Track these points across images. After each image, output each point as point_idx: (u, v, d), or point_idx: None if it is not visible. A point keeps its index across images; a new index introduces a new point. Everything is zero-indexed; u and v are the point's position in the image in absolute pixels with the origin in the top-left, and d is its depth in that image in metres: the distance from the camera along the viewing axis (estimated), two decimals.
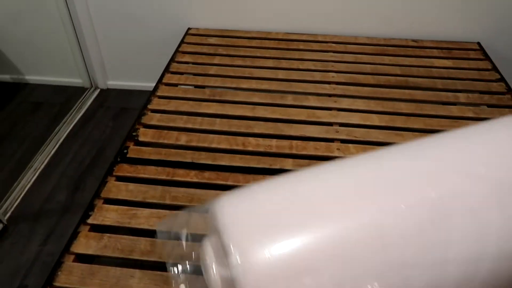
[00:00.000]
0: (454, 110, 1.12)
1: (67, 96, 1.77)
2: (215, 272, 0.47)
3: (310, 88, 1.20)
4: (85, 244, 0.75)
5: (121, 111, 1.70)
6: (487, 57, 1.38)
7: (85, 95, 1.78)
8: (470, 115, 1.10)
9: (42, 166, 1.43)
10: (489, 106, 1.16)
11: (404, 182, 0.47)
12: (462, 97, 1.18)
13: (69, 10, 1.59)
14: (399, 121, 1.07)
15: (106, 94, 1.81)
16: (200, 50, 1.40)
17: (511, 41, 1.49)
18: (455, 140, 0.53)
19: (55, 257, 0.74)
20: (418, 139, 0.54)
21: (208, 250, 0.48)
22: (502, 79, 1.25)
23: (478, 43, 1.46)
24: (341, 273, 0.42)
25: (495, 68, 1.31)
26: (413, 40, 1.46)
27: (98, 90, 1.82)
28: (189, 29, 1.53)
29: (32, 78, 1.84)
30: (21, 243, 1.19)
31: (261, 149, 0.97)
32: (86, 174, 1.41)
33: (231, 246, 0.42)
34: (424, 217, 0.45)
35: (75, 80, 1.82)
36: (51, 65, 1.80)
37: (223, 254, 0.43)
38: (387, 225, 0.45)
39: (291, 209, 0.46)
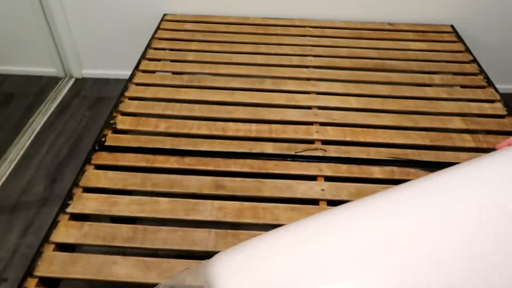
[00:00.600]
0: (429, 91, 1.14)
1: (41, 86, 1.72)
2: None
3: (289, 72, 1.21)
4: (65, 233, 0.75)
5: (98, 101, 1.67)
6: (460, 39, 1.40)
7: (60, 85, 1.73)
8: (445, 96, 1.13)
9: (18, 158, 1.40)
10: (463, 87, 1.19)
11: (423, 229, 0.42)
12: (436, 78, 1.20)
13: None
14: (376, 103, 1.09)
15: (82, 83, 1.77)
16: (177, 36, 1.38)
17: (482, 24, 1.53)
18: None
19: (34, 249, 0.72)
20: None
21: None
22: (474, 61, 1.28)
23: (452, 26, 1.48)
24: None
25: (467, 50, 1.34)
26: (389, 24, 1.48)
27: (73, 79, 1.78)
28: (165, 15, 1.51)
29: (3, 68, 1.77)
30: None
31: (241, 134, 0.98)
32: (63, 165, 1.39)
33: None
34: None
35: (49, 70, 1.77)
36: (23, 55, 1.74)
37: None
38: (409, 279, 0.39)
39: (299, 272, 0.40)
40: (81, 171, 0.87)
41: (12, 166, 1.37)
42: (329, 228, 0.45)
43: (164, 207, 0.80)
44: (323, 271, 0.40)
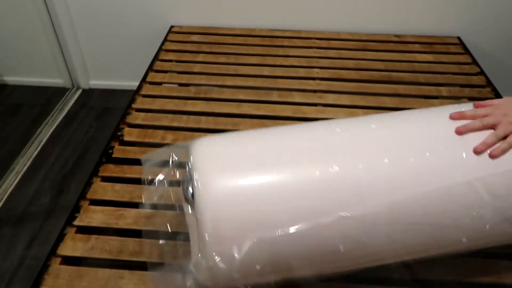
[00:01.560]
0: (437, 104, 1.14)
1: (48, 97, 1.74)
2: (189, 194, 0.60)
3: (295, 84, 1.21)
4: (72, 246, 0.74)
5: (104, 111, 1.68)
6: (467, 51, 1.40)
7: (67, 96, 1.75)
8: None
9: (24, 169, 1.40)
10: (470, 99, 1.18)
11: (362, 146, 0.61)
12: (444, 90, 1.20)
13: (47, 8, 1.56)
14: None
15: (89, 94, 1.78)
16: (183, 48, 1.39)
17: (489, 35, 1.52)
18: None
19: (40, 261, 0.72)
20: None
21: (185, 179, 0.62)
22: (482, 73, 1.28)
23: (458, 38, 1.48)
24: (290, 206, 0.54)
25: (475, 62, 1.34)
26: (395, 35, 1.48)
27: (80, 90, 1.79)
28: (172, 27, 1.52)
29: (11, 79, 1.79)
30: (4, 247, 1.16)
31: None
32: (69, 176, 1.39)
33: (196, 175, 0.56)
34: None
35: (56, 81, 1.78)
36: (30, 66, 1.76)
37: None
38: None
39: (257, 156, 0.58)
40: (88, 183, 0.87)
41: (19, 177, 1.37)
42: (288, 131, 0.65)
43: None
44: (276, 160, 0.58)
